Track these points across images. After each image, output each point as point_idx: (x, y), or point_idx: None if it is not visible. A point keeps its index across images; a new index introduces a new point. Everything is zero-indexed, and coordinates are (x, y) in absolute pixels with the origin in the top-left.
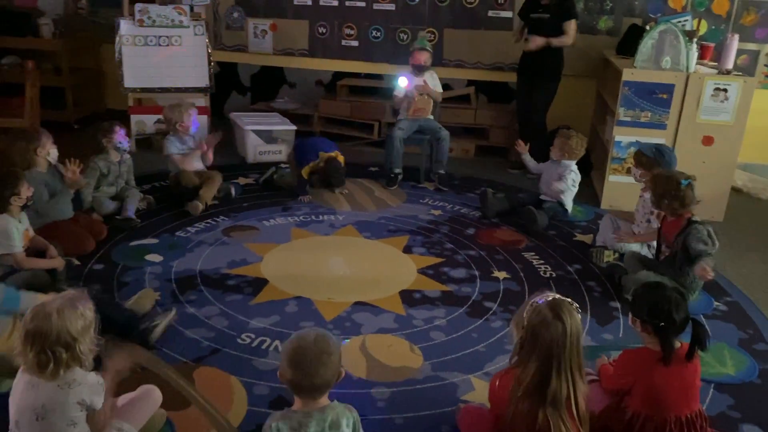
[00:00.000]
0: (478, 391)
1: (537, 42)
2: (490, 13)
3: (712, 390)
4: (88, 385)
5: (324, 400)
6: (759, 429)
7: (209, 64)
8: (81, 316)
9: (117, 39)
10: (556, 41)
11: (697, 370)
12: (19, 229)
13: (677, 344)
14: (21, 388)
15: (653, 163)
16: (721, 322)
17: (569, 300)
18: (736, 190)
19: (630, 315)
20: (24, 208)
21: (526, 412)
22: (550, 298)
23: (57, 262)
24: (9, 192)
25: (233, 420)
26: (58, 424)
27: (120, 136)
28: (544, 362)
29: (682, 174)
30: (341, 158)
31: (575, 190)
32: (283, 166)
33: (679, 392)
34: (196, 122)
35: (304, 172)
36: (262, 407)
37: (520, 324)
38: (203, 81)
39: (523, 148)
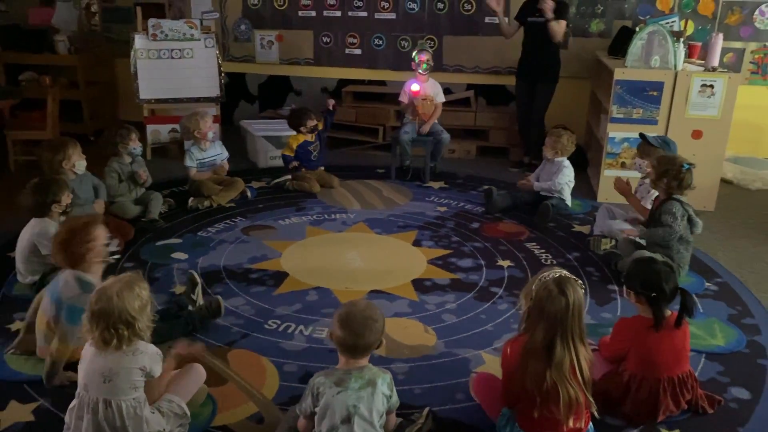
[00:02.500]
0: (488, 364)
1: (549, 5)
2: (487, 20)
3: (703, 359)
4: (149, 354)
5: (364, 361)
6: (745, 390)
7: (220, 74)
8: (138, 296)
9: (132, 53)
10: (556, 25)
11: (686, 335)
12: None
13: (668, 312)
14: (89, 356)
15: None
16: (712, 300)
17: (574, 277)
18: (727, 182)
19: (624, 287)
20: (63, 213)
21: (535, 374)
22: (557, 275)
23: None
24: (51, 199)
25: (267, 394)
26: (122, 386)
27: (135, 141)
28: (549, 331)
29: (685, 159)
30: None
31: (572, 185)
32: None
33: (670, 355)
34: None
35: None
36: (292, 383)
37: (529, 296)
38: (214, 91)
39: (525, 184)
